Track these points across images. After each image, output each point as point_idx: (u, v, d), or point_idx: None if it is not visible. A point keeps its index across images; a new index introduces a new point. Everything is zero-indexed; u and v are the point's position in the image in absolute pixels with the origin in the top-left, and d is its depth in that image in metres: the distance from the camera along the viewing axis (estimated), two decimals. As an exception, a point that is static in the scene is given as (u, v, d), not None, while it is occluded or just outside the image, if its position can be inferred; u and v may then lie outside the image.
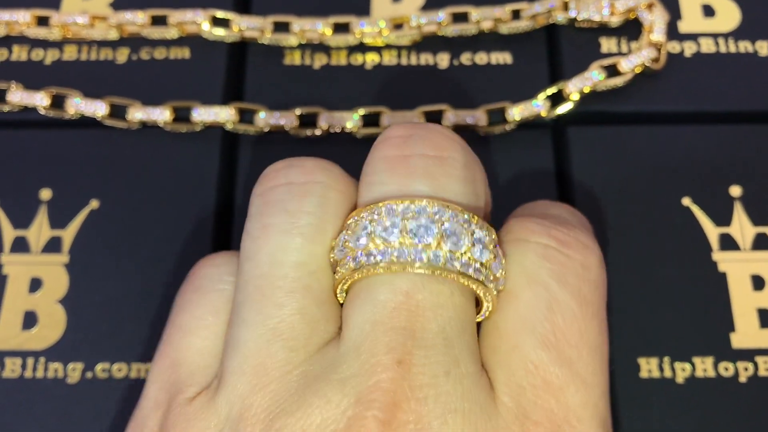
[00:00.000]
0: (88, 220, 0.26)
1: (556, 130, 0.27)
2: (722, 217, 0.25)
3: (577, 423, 0.18)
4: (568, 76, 0.27)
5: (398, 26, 0.28)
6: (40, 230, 0.26)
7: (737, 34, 0.28)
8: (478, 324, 0.19)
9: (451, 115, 0.27)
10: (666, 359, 0.24)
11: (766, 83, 0.28)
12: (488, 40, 0.29)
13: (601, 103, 0.27)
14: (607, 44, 0.28)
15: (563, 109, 0.27)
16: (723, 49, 0.28)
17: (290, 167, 0.20)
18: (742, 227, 0.25)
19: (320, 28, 0.28)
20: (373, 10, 0.29)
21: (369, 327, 0.17)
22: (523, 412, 0.17)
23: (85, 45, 0.29)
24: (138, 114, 0.27)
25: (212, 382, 0.19)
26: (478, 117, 0.27)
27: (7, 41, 0.29)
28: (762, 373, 0.23)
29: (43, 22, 0.29)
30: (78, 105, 0.27)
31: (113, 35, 0.29)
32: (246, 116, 0.27)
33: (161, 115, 0.27)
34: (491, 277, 0.18)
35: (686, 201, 0.26)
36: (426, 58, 0.28)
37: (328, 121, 0.27)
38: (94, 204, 0.26)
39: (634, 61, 0.27)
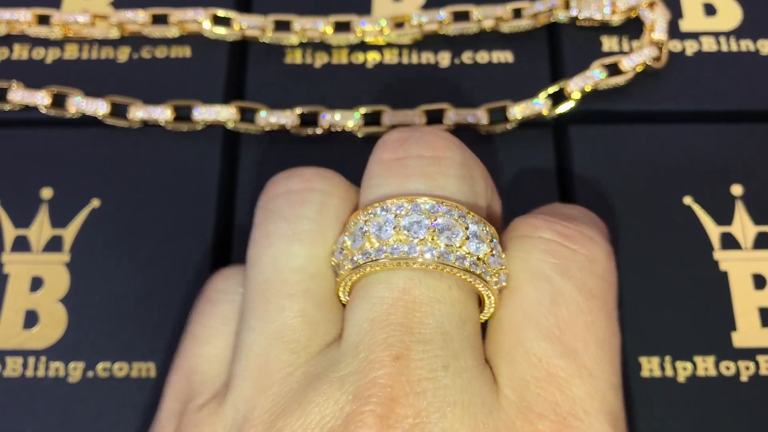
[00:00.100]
0: (89, 220, 0.26)
1: (558, 128, 0.27)
2: (723, 216, 0.25)
3: (584, 415, 0.17)
4: (570, 74, 0.27)
5: (399, 25, 0.28)
6: (41, 229, 0.26)
7: (739, 33, 0.28)
8: (485, 323, 0.19)
9: (452, 114, 0.27)
10: (667, 358, 0.24)
11: (768, 82, 0.28)
12: (489, 39, 0.29)
13: (603, 101, 0.27)
14: (609, 43, 0.28)
15: (564, 107, 0.27)
16: (724, 48, 0.28)
17: (290, 177, 0.20)
18: (744, 226, 0.25)
19: (321, 26, 0.28)
20: (374, 9, 0.29)
21: (367, 325, 0.18)
22: (527, 405, 0.17)
23: (86, 44, 0.29)
24: (139, 113, 0.27)
25: (222, 388, 0.19)
26: (479, 116, 0.27)
27: (8, 40, 0.29)
28: (763, 372, 0.23)
29: (44, 20, 0.29)
30: (79, 104, 0.27)
31: (114, 34, 0.29)
32: (247, 115, 0.27)
33: (162, 114, 0.27)
34: (490, 272, 0.18)
35: (687, 200, 0.26)
36: (427, 57, 0.28)
37: (329, 120, 0.27)
38: (95, 203, 0.26)
39: (635, 59, 0.27)
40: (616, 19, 0.28)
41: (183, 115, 0.27)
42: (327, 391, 0.17)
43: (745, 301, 0.24)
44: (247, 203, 0.26)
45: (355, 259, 0.18)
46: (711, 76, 0.28)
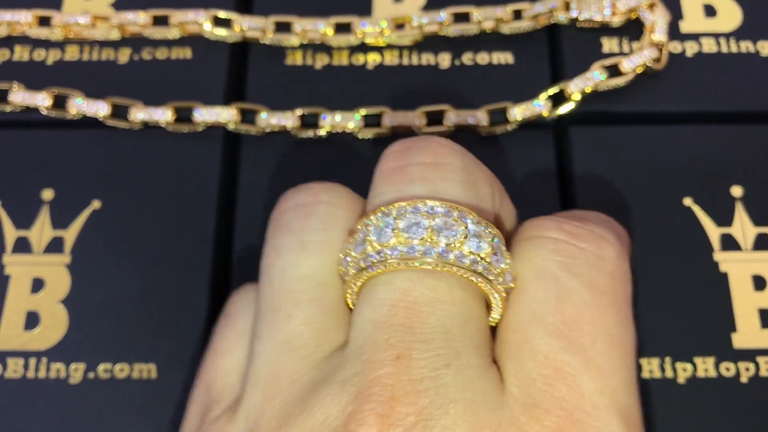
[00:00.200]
0: (89, 221, 0.26)
1: (558, 130, 0.27)
2: (723, 218, 0.25)
3: (592, 409, 0.17)
4: (570, 76, 0.27)
5: (400, 26, 0.28)
6: (41, 231, 0.26)
7: (739, 34, 0.28)
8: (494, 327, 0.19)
9: (452, 116, 0.27)
10: (667, 359, 0.24)
11: (768, 83, 0.28)
12: (490, 40, 0.29)
13: (603, 103, 0.27)
14: (609, 44, 0.28)
15: (565, 109, 0.27)
16: (724, 49, 0.28)
17: (298, 191, 0.21)
18: (744, 227, 0.25)
19: (322, 28, 0.28)
20: (374, 10, 0.29)
21: (369, 326, 0.18)
22: (533, 402, 0.17)
23: (86, 45, 0.29)
24: (140, 114, 0.27)
25: (237, 398, 0.19)
26: (479, 117, 0.27)
27: (9, 41, 0.29)
28: (763, 373, 0.23)
29: (44, 22, 0.29)
30: (80, 105, 0.27)
31: (115, 35, 0.29)
32: (247, 116, 0.27)
33: (163, 115, 0.27)
34: (492, 271, 0.18)
35: (687, 201, 0.26)
36: (427, 58, 0.28)
37: (329, 121, 0.27)
38: (95, 204, 0.26)
39: (635, 61, 0.27)
40: (617, 21, 0.28)
41: (184, 116, 0.27)
42: (330, 393, 0.17)
43: (745, 302, 0.24)
44: (248, 204, 0.26)
45: (358, 264, 0.18)
46: (711, 78, 0.28)
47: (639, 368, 0.24)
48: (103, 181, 0.26)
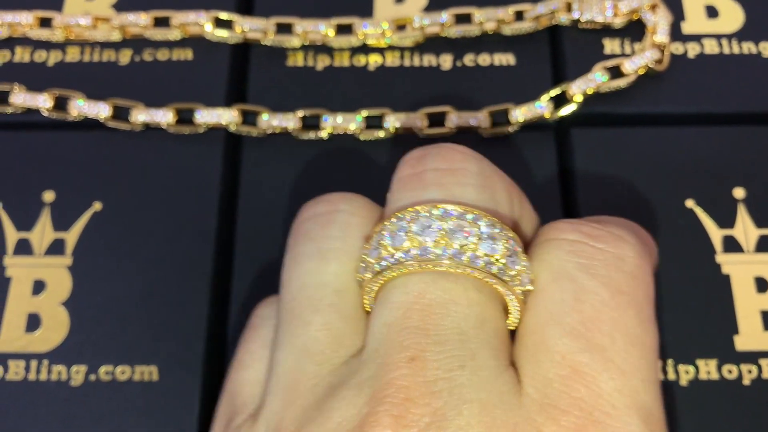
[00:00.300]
0: (91, 223, 0.26)
1: (560, 131, 0.27)
2: (726, 219, 0.25)
3: (611, 409, 0.17)
4: (572, 77, 0.27)
5: (401, 27, 0.28)
6: (43, 232, 0.26)
7: (741, 35, 0.28)
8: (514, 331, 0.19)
9: (454, 117, 0.27)
10: (669, 362, 0.24)
11: (770, 84, 0.28)
12: (491, 42, 0.29)
13: (605, 104, 0.27)
14: (611, 45, 0.28)
15: (566, 110, 0.27)
16: (726, 51, 0.28)
17: (317, 202, 0.21)
18: (746, 229, 0.25)
19: (323, 29, 0.28)
20: (375, 12, 0.29)
21: (384, 330, 0.18)
22: (550, 402, 0.17)
23: (87, 46, 0.29)
24: (141, 116, 0.27)
25: (259, 406, 0.20)
26: (481, 119, 0.27)
27: (10, 43, 0.29)
28: (766, 375, 0.23)
29: (45, 23, 0.29)
30: (81, 107, 0.27)
31: (116, 37, 0.29)
32: (249, 118, 0.27)
33: (164, 116, 0.27)
34: (508, 272, 0.18)
35: (690, 203, 0.26)
36: (429, 60, 0.28)
37: (331, 122, 0.27)
38: (97, 206, 0.26)
39: (637, 62, 0.27)
40: (618, 22, 0.28)
41: (185, 118, 0.27)
42: (346, 396, 0.17)
43: (747, 304, 0.24)
44: (249, 206, 0.26)
45: (373, 268, 0.18)
46: (713, 79, 0.28)
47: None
48: (105, 183, 0.26)
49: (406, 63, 0.28)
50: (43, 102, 0.27)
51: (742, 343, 0.24)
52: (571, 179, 0.26)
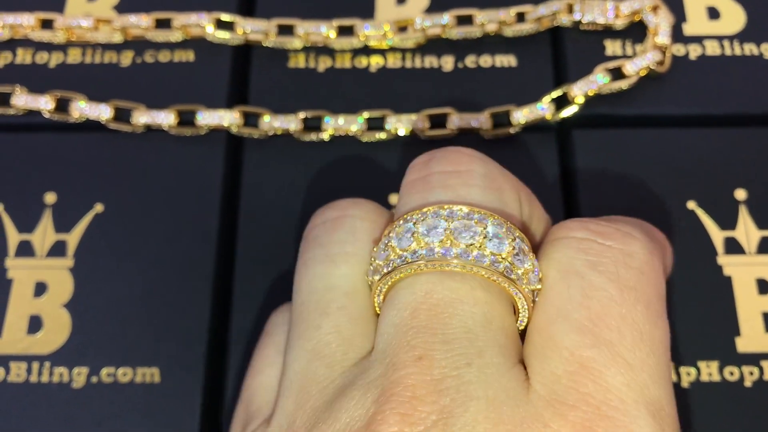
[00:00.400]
0: (92, 224, 0.26)
1: (561, 133, 0.27)
2: (727, 221, 0.25)
3: (619, 404, 0.17)
4: (573, 79, 0.27)
5: (402, 29, 0.28)
6: (44, 234, 0.26)
7: (742, 37, 0.28)
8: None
9: (455, 119, 0.27)
10: (671, 364, 0.24)
11: (772, 86, 0.28)
12: (493, 43, 0.29)
13: (606, 106, 0.27)
14: (612, 47, 0.28)
15: (568, 112, 0.27)
16: (728, 52, 0.28)
17: (327, 208, 0.21)
18: (747, 231, 0.25)
19: (324, 31, 0.28)
20: (377, 13, 0.29)
21: (392, 330, 0.18)
22: (557, 398, 0.17)
23: (89, 48, 0.29)
24: (142, 118, 0.27)
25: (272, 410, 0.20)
26: (482, 120, 0.27)
27: (12, 44, 0.29)
28: (767, 377, 0.23)
29: (47, 25, 0.29)
30: (82, 108, 0.27)
31: (117, 38, 0.29)
32: (250, 120, 0.27)
33: (166, 118, 0.27)
34: (515, 271, 0.18)
35: (691, 204, 0.26)
36: (430, 61, 0.28)
37: (332, 124, 0.27)
38: (98, 208, 0.26)
39: (638, 63, 0.27)
40: (620, 23, 0.28)
41: (186, 119, 0.27)
42: (355, 396, 0.18)
43: (749, 306, 0.24)
44: (251, 208, 0.26)
45: (382, 270, 0.19)
46: (714, 80, 0.28)
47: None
48: (106, 185, 0.26)
49: (408, 64, 0.28)
50: (45, 104, 0.27)
51: (743, 344, 0.24)
52: (573, 181, 0.26)
